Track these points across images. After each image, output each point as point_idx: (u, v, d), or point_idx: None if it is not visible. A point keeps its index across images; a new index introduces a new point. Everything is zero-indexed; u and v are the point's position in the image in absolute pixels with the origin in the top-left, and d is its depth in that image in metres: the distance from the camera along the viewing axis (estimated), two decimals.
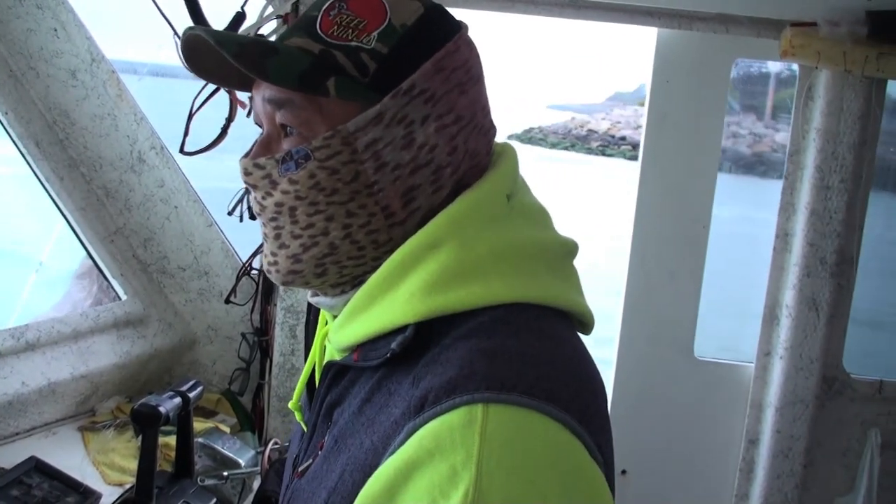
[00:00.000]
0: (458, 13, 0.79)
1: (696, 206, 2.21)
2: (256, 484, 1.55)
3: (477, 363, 0.65)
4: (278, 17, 1.82)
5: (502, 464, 0.59)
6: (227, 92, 1.81)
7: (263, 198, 0.75)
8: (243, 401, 2.14)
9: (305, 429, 0.84)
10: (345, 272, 0.76)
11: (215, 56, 0.73)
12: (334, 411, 0.77)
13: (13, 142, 1.94)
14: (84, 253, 2.09)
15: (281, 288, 2.04)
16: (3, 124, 1.92)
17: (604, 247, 4.77)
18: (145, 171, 2.11)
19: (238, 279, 2.06)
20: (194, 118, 1.81)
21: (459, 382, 0.63)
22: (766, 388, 2.17)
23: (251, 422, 2.11)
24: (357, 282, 0.76)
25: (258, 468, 1.59)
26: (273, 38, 0.76)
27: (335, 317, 0.78)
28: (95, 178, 2.09)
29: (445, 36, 0.75)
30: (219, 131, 1.85)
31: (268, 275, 0.79)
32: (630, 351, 2.28)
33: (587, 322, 0.79)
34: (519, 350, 0.67)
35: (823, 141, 2.03)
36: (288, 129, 0.74)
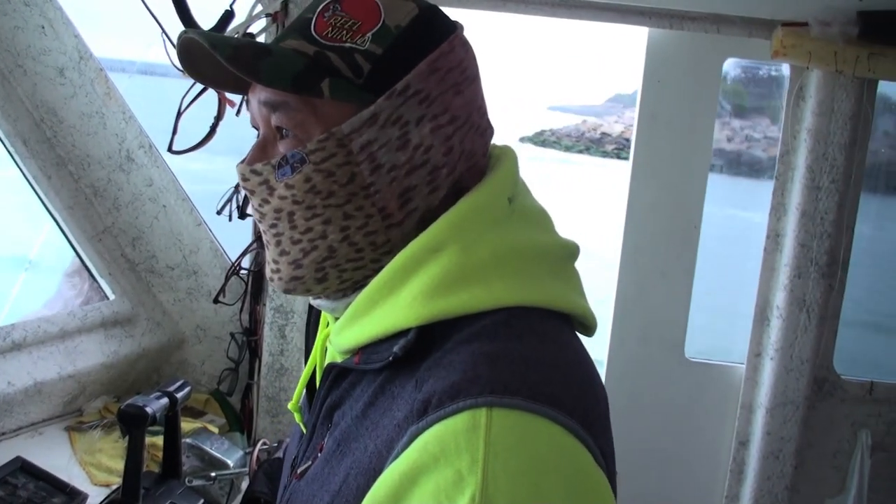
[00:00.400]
0: (451, 13, 0.79)
1: (687, 207, 2.21)
2: (245, 485, 1.55)
3: (480, 367, 0.64)
4: (267, 15, 1.81)
5: (507, 468, 0.59)
6: (216, 91, 1.80)
7: (261, 204, 0.75)
8: (232, 401, 2.13)
9: (305, 430, 0.83)
10: (345, 276, 0.76)
11: (211, 59, 0.72)
12: (335, 413, 0.76)
13: (0, 140, 1.93)
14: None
15: (270, 288, 2.03)
16: None
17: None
18: (134, 169, 2.10)
19: (227, 279, 2.05)
20: (183, 117, 1.80)
21: (463, 386, 0.63)
22: (757, 389, 2.17)
23: (240, 422, 2.10)
24: (358, 286, 0.76)
25: (246, 469, 1.59)
26: (263, 38, 0.76)
27: (336, 318, 0.78)
28: (83, 177, 2.07)
29: (440, 36, 0.74)
30: (207, 130, 1.84)
31: (271, 283, 0.79)
32: (620, 351, 2.28)
33: (589, 324, 0.79)
34: (522, 354, 0.66)
35: (814, 141, 2.03)
36: (283, 131, 0.74)
